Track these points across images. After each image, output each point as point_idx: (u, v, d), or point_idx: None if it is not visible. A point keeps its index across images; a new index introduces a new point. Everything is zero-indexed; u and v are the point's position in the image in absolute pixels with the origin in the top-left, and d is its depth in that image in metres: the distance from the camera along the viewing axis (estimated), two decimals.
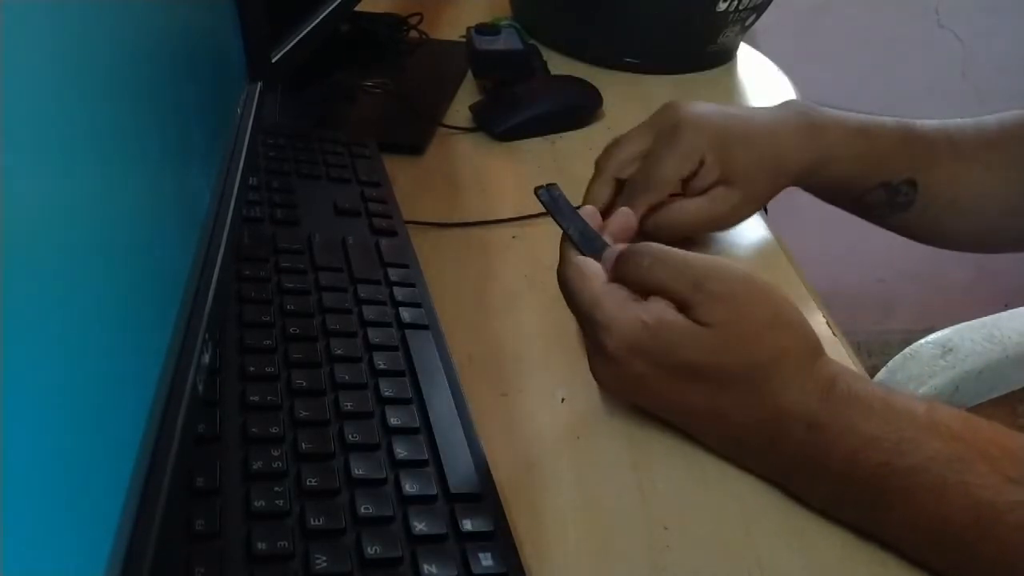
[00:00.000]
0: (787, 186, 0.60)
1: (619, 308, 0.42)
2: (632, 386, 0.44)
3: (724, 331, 0.41)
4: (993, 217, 0.61)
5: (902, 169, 0.59)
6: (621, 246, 0.46)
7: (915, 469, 0.37)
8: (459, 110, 0.80)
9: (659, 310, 0.42)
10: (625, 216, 0.50)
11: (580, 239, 0.47)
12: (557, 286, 0.57)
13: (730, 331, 0.41)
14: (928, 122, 0.61)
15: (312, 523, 0.35)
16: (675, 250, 0.43)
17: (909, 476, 0.37)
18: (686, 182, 0.57)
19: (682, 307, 0.41)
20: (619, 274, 0.44)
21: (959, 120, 0.62)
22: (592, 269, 0.45)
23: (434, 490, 0.38)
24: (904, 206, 0.60)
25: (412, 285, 0.52)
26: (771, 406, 0.41)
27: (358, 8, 0.81)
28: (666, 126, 0.57)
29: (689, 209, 0.58)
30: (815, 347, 0.42)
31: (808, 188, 0.62)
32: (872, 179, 0.59)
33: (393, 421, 0.41)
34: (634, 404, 0.47)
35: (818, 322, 0.56)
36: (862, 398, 0.40)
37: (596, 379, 0.45)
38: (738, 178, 0.57)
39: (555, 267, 0.59)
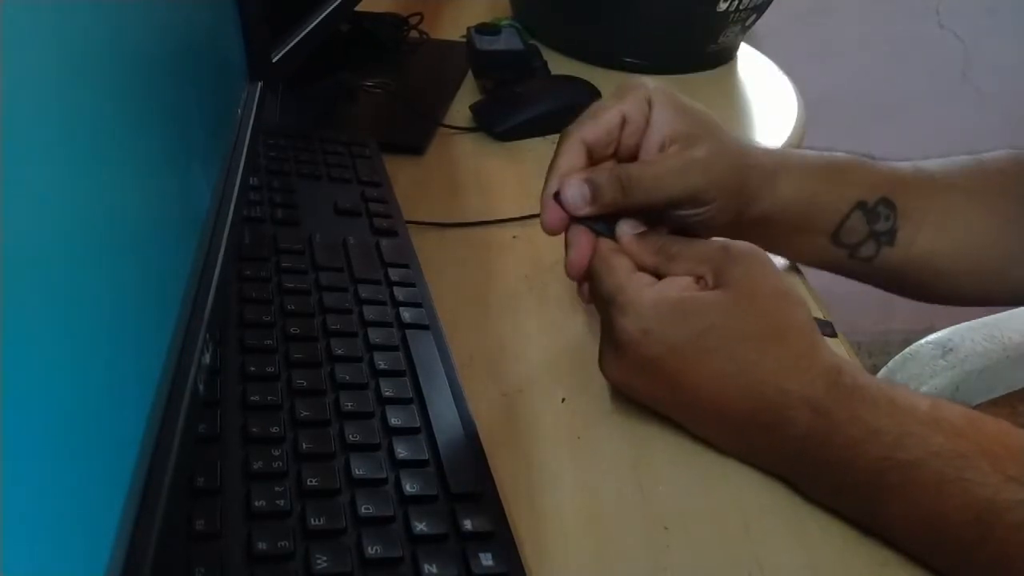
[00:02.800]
0: (748, 189, 0.50)
1: (640, 291, 0.43)
2: (640, 374, 0.44)
3: (737, 290, 0.42)
4: (986, 251, 0.55)
5: (873, 187, 0.53)
6: (635, 224, 0.47)
7: (914, 464, 0.37)
8: (459, 110, 0.80)
9: (679, 286, 0.43)
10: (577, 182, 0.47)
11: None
12: (557, 285, 0.57)
13: (744, 292, 0.42)
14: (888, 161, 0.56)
15: (313, 523, 0.35)
16: (678, 240, 0.46)
17: (908, 470, 0.37)
18: (637, 145, 0.49)
19: (702, 278, 0.44)
20: (644, 245, 0.46)
21: (925, 160, 0.56)
22: (619, 260, 0.46)
23: (434, 490, 0.38)
24: (889, 237, 0.53)
25: (412, 285, 0.52)
26: (778, 381, 0.41)
27: (358, 8, 0.81)
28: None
29: (640, 162, 0.49)
30: (818, 335, 0.43)
31: (771, 221, 0.52)
32: (845, 198, 0.53)
33: (393, 421, 0.41)
34: (637, 402, 0.46)
35: None
36: (866, 390, 0.40)
37: (603, 371, 0.46)
38: (694, 133, 0.48)
39: (555, 267, 0.59)
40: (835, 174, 0.53)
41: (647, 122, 0.49)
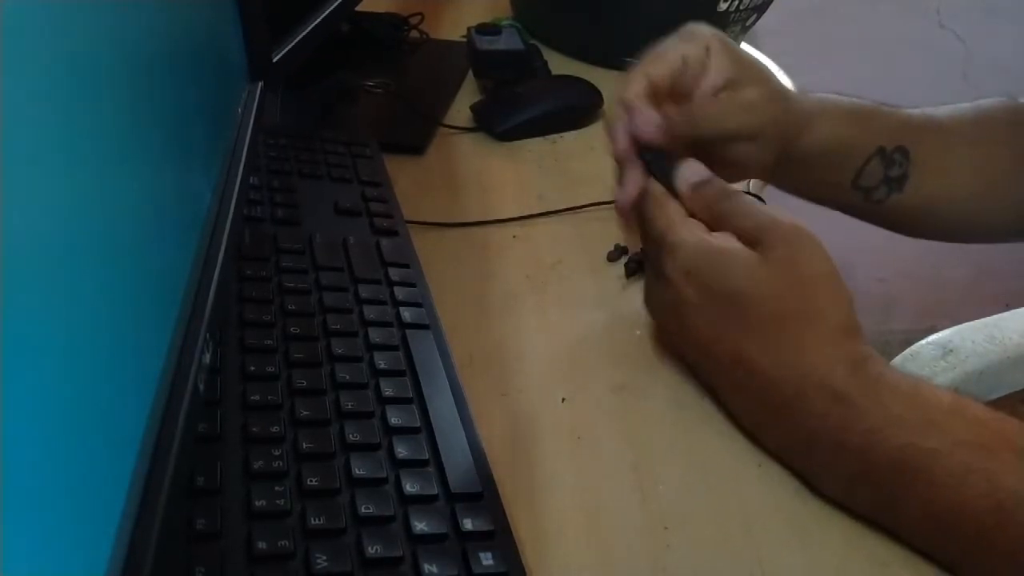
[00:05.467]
0: (790, 130, 0.55)
1: (690, 232, 0.45)
2: (677, 314, 0.46)
3: (780, 267, 0.43)
4: (982, 197, 0.61)
5: (893, 134, 0.59)
6: (696, 169, 0.48)
7: (938, 452, 0.38)
8: (460, 110, 0.80)
9: (728, 239, 0.44)
10: (647, 116, 0.51)
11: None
12: (557, 285, 0.57)
13: (785, 269, 0.43)
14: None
15: (313, 523, 0.35)
16: (734, 200, 0.47)
17: (931, 458, 0.38)
18: (692, 86, 0.53)
19: (750, 242, 0.44)
20: (698, 197, 0.47)
21: (937, 107, 0.62)
22: (672, 203, 0.47)
23: (435, 490, 0.38)
24: (899, 183, 0.59)
25: (413, 285, 0.52)
26: (798, 363, 0.41)
27: (359, 8, 0.81)
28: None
29: (706, 102, 0.53)
30: (853, 324, 0.43)
31: (804, 162, 0.57)
32: (868, 144, 0.58)
33: (394, 421, 0.41)
34: (671, 349, 0.49)
35: None
36: (890, 380, 0.40)
37: (647, 305, 0.49)
38: (746, 78, 0.54)
39: (556, 267, 0.60)
40: (862, 120, 0.58)
41: (704, 67, 0.53)
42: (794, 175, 0.59)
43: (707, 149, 0.53)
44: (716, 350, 0.45)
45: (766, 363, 0.42)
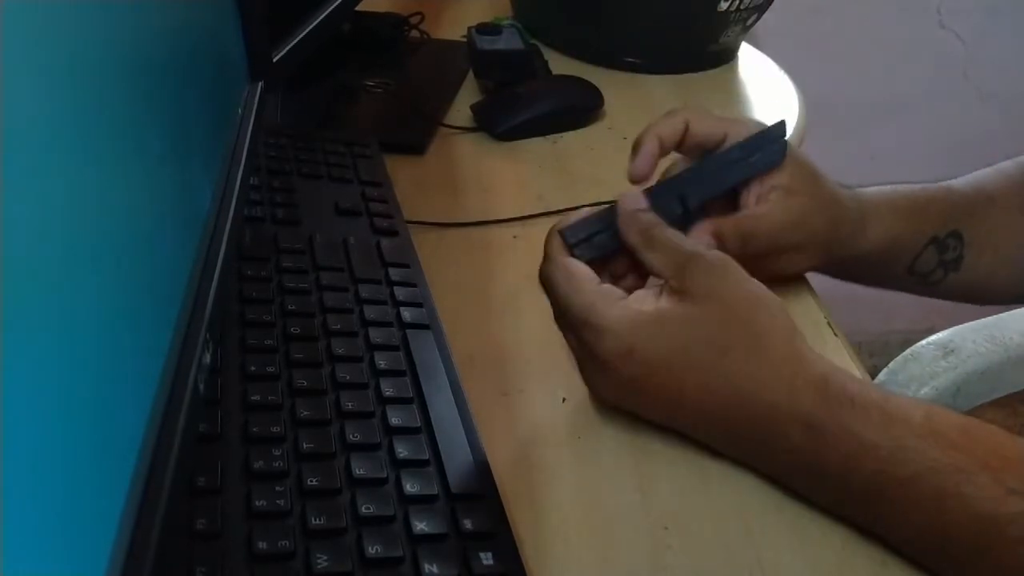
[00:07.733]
0: (839, 237, 0.55)
1: (614, 308, 0.42)
2: (630, 393, 0.44)
3: (709, 303, 0.42)
4: None
5: (946, 221, 0.58)
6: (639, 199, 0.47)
7: (912, 479, 0.37)
8: (460, 110, 0.80)
9: (651, 299, 0.43)
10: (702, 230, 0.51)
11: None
12: None
13: (714, 302, 0.42)
14: (956, 180, 0.61)
15: (313, 523, 0.35)
16: (667, 229, 0.45)
17: (906, 486, 0.37)
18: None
19: (674, 274, 0.43)
20: (633, 221, 0.46)
21: (984, 170, 0.62)
22: (581, 271, 0.44)
23: (435, 490, 0.38)
24: (955, 264, 0.59)
25: (413, 285, 0.52)
26: (762, 395, 0.40)
27: (359, 8, 0.81)
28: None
29: (755, 214, 0.53)
30: (797, 333, 0.42)
31: (857, 260, 0.57)
32: (921, 235, 0.58)
33: (394, 421, 0.41)
34: (634, 414, 0.46)
35: (819, 322, 0.56)
36: (857, 401, 0.39)
37: (591, 389, 0.46)
38: (794, 185, 0.53)
39: None
40: (913, 212, 0.58)
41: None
42: (847, 270, 0.59)
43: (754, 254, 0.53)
44: (679, 408, 0.43)
45: (731, 404, 0.41)
